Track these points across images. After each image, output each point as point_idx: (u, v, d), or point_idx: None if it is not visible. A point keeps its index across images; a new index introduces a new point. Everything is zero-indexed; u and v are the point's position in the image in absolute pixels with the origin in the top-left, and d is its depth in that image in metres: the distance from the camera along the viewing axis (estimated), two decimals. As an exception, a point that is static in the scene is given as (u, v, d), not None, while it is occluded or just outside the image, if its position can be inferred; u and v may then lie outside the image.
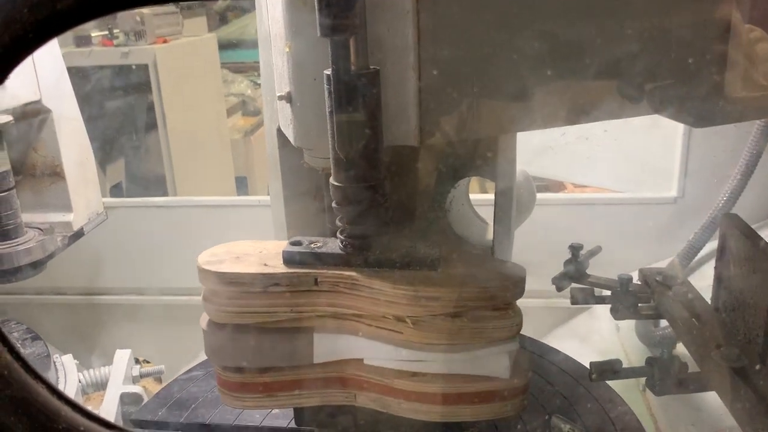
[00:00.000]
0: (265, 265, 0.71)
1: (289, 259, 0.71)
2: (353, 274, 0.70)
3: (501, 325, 0.70)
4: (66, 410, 0.40)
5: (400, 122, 0.67)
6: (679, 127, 1.45)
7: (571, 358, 0.96)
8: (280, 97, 0.75)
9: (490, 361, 0.70)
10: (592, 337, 1.48)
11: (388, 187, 0.71)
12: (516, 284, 0.71)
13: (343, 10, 0.61)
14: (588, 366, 0.80)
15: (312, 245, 0.73)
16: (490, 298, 0.70)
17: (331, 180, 0.70)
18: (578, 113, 0.79)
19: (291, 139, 0.75)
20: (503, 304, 0.71)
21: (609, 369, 0.76)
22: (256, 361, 0.73)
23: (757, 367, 0.74)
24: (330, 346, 0.73)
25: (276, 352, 0.72)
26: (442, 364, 0.70)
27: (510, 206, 0.96)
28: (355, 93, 0.66)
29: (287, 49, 0.72)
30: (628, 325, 1.36)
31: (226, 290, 0.70)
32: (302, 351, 0.72)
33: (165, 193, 2.40)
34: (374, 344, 0.71)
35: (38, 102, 1.21)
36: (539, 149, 1.17)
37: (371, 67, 0.67)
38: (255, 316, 0.71)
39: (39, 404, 0.39)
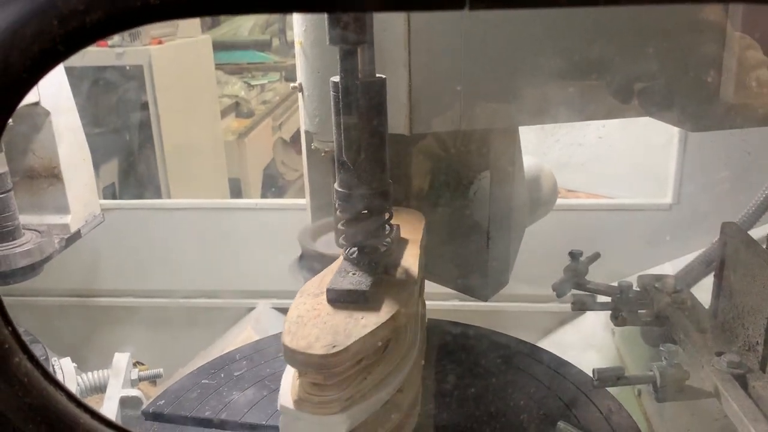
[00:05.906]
0: None
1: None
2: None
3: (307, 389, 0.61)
4: (85, 418, 0.40)
5: (391, 113, 0.72)
6: (675, 135, 1.46)
7: (570, 363, 0.97)
8: (294, 88, 0.85)
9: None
10: (587, 340, 1.49)
11: (391, 195, 0.71)
12: (304, 359, 0.57)
13: (353, 24, 0.61)
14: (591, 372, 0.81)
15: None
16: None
17: (336, 186, 0.71)
18: (567, 112, 0.81)
19: (302, 124, 0.85)
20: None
21: (612, 376, 0.76)
22: None
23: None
24: None
25: None
26: None
27: (508, 201, 0.97)
28: (362, 100, 0.66)
29: (298, 45, 0.79)
30: (623, 328, 1.36)
31: None
32: None
33: (158, 194, 2.39)
34: None
35: (37, 104, 1.21)
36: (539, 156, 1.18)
37: (378, 75, 0.67)
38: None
39: (59, 412, 0.39)
